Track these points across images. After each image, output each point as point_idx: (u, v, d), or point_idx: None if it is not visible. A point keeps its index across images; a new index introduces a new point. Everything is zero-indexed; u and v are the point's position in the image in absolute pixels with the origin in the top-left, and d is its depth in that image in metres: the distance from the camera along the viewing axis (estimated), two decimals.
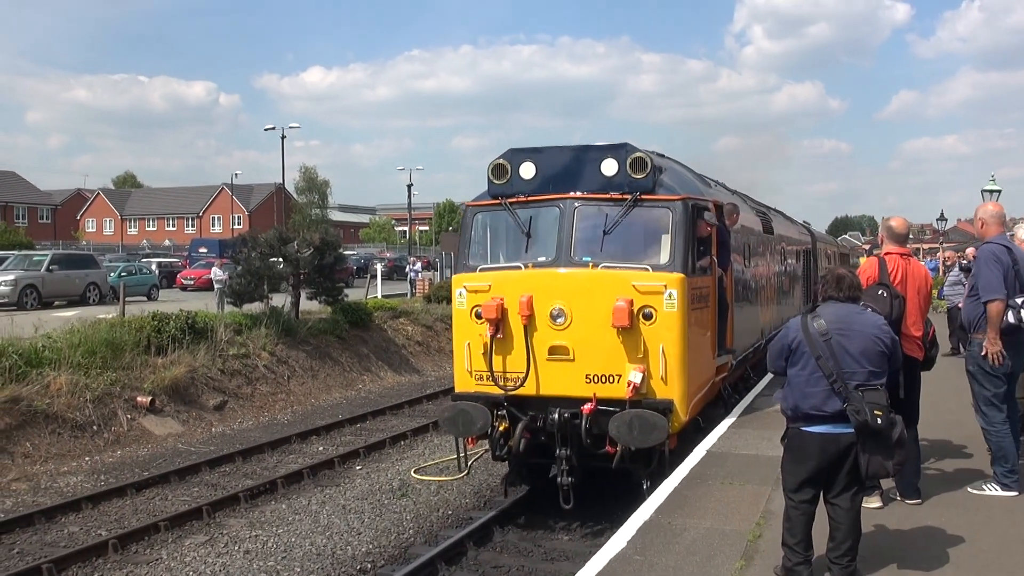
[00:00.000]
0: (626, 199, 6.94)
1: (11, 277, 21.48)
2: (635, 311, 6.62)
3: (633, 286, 6.68)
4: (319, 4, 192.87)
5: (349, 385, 16.69)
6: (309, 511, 8.65)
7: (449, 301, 10.21)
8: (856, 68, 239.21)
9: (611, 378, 6.73)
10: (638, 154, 6.96)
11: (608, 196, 7.01)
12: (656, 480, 6.42)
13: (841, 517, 4.07)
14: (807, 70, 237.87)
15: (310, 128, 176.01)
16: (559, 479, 6.84)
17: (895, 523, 4.96)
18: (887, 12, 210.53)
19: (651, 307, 6.65)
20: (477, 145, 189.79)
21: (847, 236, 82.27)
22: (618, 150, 7.03)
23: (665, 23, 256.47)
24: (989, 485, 5.52)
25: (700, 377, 7.29)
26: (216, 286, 20.71)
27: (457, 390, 7.35)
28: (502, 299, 6.92)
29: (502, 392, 6.97)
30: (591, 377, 6.78)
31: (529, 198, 7.26)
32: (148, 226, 73.69)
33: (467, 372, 7.22)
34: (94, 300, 23.02)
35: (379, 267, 30.26)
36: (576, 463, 6.84)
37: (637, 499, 6.10)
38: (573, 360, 6.81)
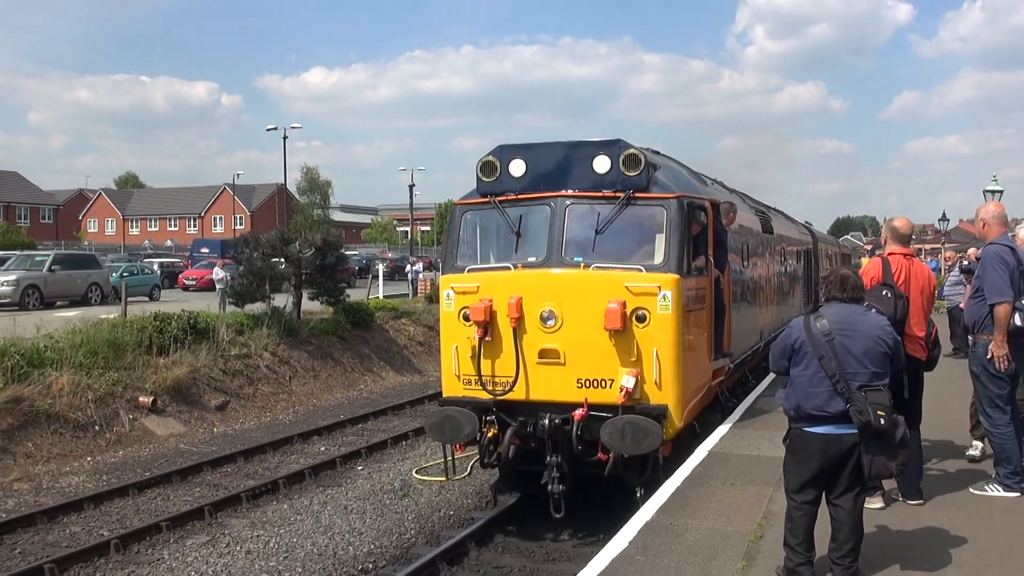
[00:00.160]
0: (619, 197, 6.75)
1: (13, 277, 21.52)
2: (628, 313, 6.44)
3: (626, 287, 6.50)
4: (321, 5, 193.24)
5: (351, 385, 16.70)
6: (311, 511, 8.66)
7: None
8: (858, 68, 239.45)
9: (603, 383, 6.54)
10: (631, 151, 6.77)
11: (600, 194, 6.81)
12: (650, 488, 6.19)
13: (843, 518, 4.06)
14: (809, 70, 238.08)
15: (312, 128, 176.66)
16: (550, 487, 6.64)
17: (897, 524, 4.95)
18: (889, 12, 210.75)
19: (644, 309, 6.46)
20: (479, 145, 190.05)
21: (849, 236, 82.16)
22: (611, 147, 6.83)
23: (667, 24, 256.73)
24: (991, 486, 5.51)
25: (696, 381, 7.10)
26: (218, 286, 20.73)
27: (444, 395, 7.16)
28: (491, 301, 6.72)
29: (491, 397, 6.77)
30: (583, 382, 6.59)
31: (519, 196, 7.05)
32: (150, 226, 73.75)
33: (455, 376, 7.01)
34: (96, 300, 23.05)
35: (381, 267, 30.25)
36: (567, 470, 6.65)
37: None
38: (564, 364, 6.61)
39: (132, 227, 73.75)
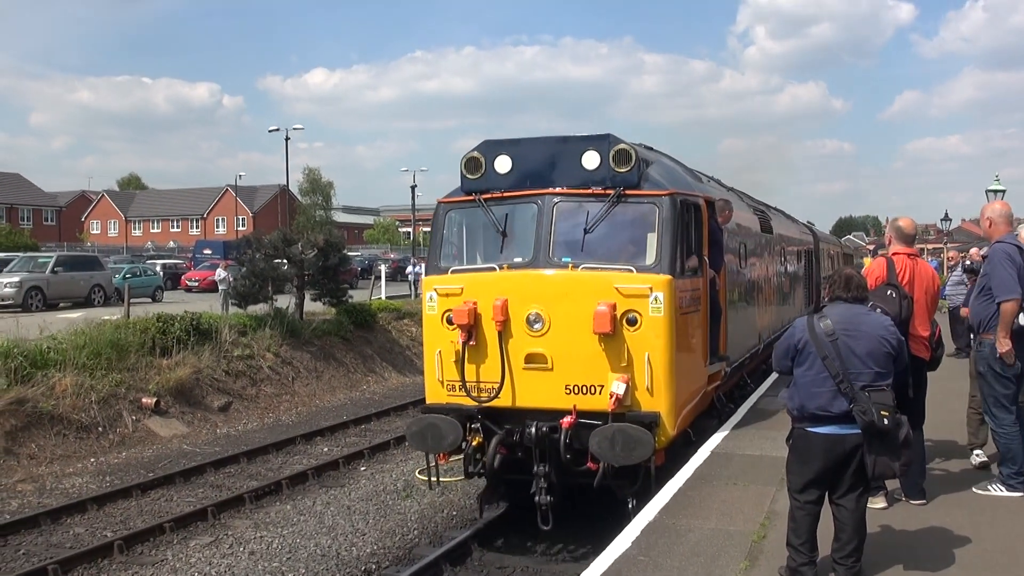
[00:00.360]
0: (609, 195, 6.47)
1: (16, 279, 21.57)
2: (618, 316, 6.16)
3: (616, 289, 6.22)
4: (322, 6, 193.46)
5: (353, 386, 16.72)
6: (314, 512, 8.67)
7: None
8: (859, 68, 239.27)
9: (592, 389, 6.26)
10: (622, 146, 6.49)
11: (590, 191, 6.54)
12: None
13: (846, 517, 4.06)
14: (810, 70, 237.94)
15: (313, 130, 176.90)
16: (537, 498, 6.38)
17: (900, 523, 4.95)
18: (890, 12, 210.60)
19: (635, 312, 6.18)
20: None
21: (851, 236, 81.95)
22: (600, 142, 6.55)
23: (668, 24, 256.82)
24: (994, 486, 5.50)
25: (690, 387, 6.82)
26: (221, 287, 20.76)
27: (428, 401, 6.88)
28: (475, 303, 6.44)
29: (475, 404, 6.51)
30: (571, 388, 6.31)
31: (505, 194, 6.76)
32: (152, 228, 73.88)
33: (438, 382, 6.72)
34: (99, 301, 23.10)
35: (383, 268, 30.28)
36: (555, 480, 6.39)
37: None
38: (551, 369, 6.33)
39: (135, 228, 73.88)
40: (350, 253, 26.40)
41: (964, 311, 6.82)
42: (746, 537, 4.80)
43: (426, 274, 7.16)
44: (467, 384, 6.52)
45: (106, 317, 14.54)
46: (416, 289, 27.68)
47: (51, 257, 23.97)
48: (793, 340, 4.17)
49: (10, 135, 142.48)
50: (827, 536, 4.15)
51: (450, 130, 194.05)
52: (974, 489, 5.56)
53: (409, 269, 30.64)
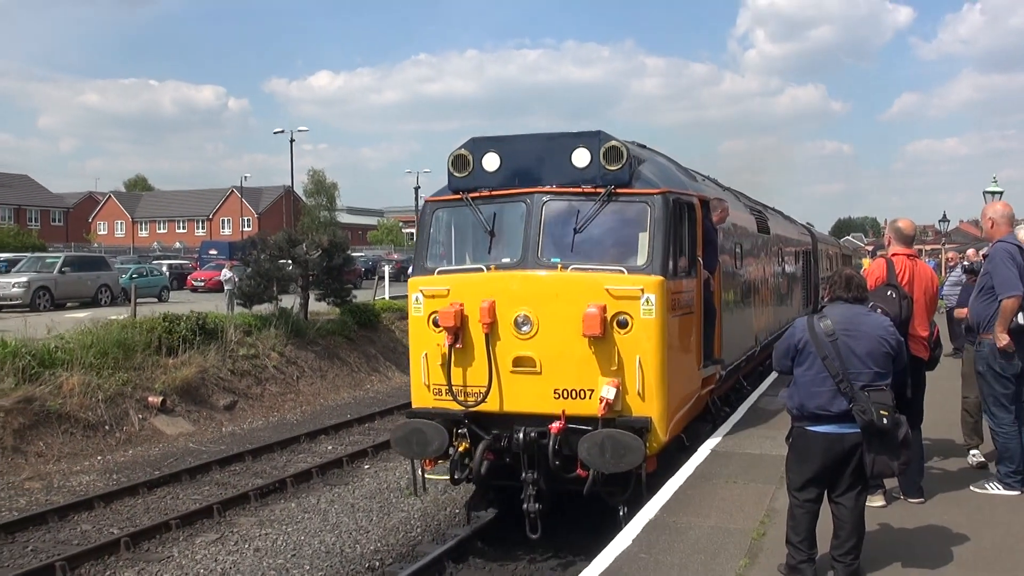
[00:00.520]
0: (599, 193, 6.27)
1: (24, 279, 21.72)
2: (608, 318, 5.96)
3: (606, 290, 6.02)
4: (327, 10, 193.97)
5: (357, 385, 16.80)
6: (318, 510, 8.73)
7: None
8: (858, 70, 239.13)
9: (582, 393, 6.06)
10: (612, 143, 6.29)
11: (580, 190, 6.34)
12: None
13: (845, 516, 4.10)
14: (809, 73, 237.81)
15: (318, 131, 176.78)
16: (525, 505, 6.20)
17: (898, 521, 4.99)
18: (889, 15, 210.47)
19: (626, 314, 5.98)
20: None
21: (850, 237, 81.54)
22: (590, 139, 6.34)
23: (669, 27, 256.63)
24: (991, 484, 5.54)
25: (683, 391, 6.64)
26: (226, 288, 20.86)
27: (413, 405, 6.68)
28: (461, 305, 6.25)
29: (462, 408, 6.31)
30: (560, 392, 6.11)
31: (493, 192, 6.56)
32: (159, 228, 74.17)
33: (424, 386, 6.53)
34: (106, 301, 23.23)
35: (387, 269, 30.35)
36: (544, 487, 6.20)
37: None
38: (540, 373, 6.14)
39: (141, 229, 74.16)
40: (354, 254, 26.47)
41: (959, 312, 6.83)
42: (746, 535, 4.83)
43: (412, 275, 6.94)
44: (453, 388, 6.33)
45: (113, 317, 14.65)
46: None
47: (59, 257, 24.12)
48: (793, 340, 4.20)
49: (18, 137, 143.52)
50: (826, 534, 4.18)
51: (453, 132, 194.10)
52: (971, 488, 5.60)
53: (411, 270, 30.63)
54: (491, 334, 6.20)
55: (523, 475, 6.20)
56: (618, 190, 6.31)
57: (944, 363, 6.03)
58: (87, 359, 11.97)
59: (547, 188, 6.44)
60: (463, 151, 6.65)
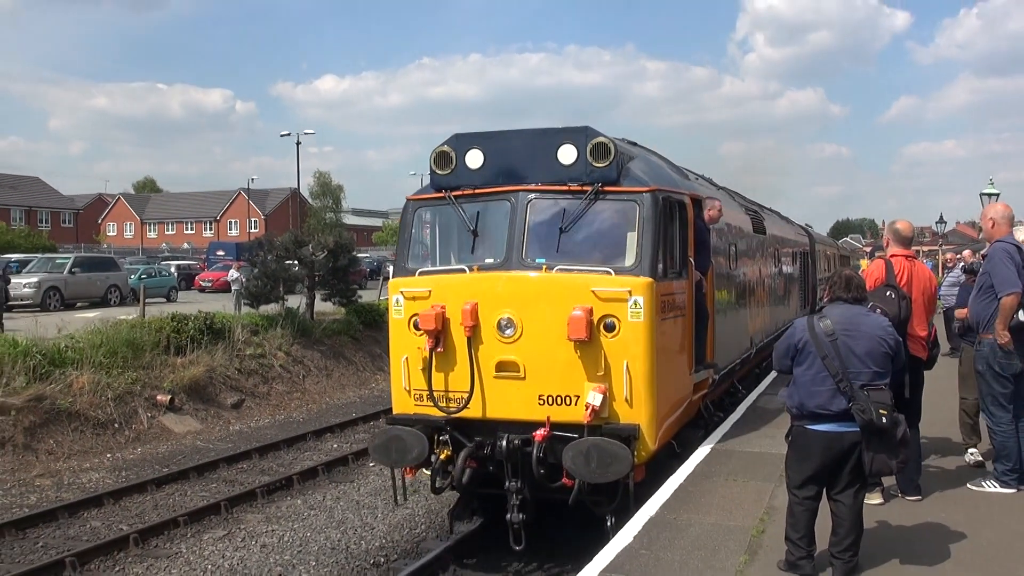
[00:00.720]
0: (586, 191, 6.03)
1: (35, 279, 21.96)
2: (595, 321, 5.72)
3: (593, 292, 5.77)
4: (333, 14, 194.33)
5: (363, 384, 16.90)
6: (324, 506, 8.82)
7: None
8: (857, 74, 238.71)
9: (567, 399, 5.82)
10: (600, 139, 6.04)
11: (566, 188, 6.11)
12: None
13: (844, 513, 4.14)
14: (809, 76, 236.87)
15: (324, 134, 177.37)
16: (509, 516, 5.94)
17: (896, 519, 5.02)
18: (887, 19, 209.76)
19: (613, 317, 5.73)
20: None
21: (848, 239, 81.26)
22: (577, 135, 6.10)
23: (669, 31, 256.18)
24: (988, 482, 5.57)
25: (673, 396, 6.38)
26: (233, 288, 21.02)
27: (394, 411, 6.46)
28: (443, 307, 6.01)
29: (443, 415, 6.07)
30: (545, 398, 5.86)
31: (476, 190, 6.31)
32: (167, 230, 74.58)
33: (405, 391, 6.29)
34: (115, 301, 23.44)
35: (391, 269, 30.41)
36: (529, 497, 5.97)
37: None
38: (524, 378, 5.89)
39: (150, 230, 74.62)
40: (359, 254, 26.58)
41: (960, 313, 6.87)
42: (746, 532, 4.87)
43: (393, 276, 6.70)
44: (435, 393, 6.09)
45: (122, 317, 14.78)
46: None
47: (69, 258, 24.36)
48: (793, 340, 4.24)
49: (29, 140, 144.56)
50: (825, 531, 4.23)
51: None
52: (968, 485, 5.63)
53: None
54: (473, 337, 5.96)
55: (506, 484, 5.98)
56: (605, 188, 6.08)
57: (942, 362, 6.07)
58: (97, 358, 12.10)
59: (532, 186, 6.22)
60: (446, 147, 6.41)
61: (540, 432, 5.80)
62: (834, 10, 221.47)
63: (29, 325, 13.29)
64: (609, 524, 5.77)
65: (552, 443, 5.81)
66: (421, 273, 6.44)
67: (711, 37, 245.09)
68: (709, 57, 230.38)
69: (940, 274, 15.71)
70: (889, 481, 5.31)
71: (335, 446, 11.74)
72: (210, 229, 72.64)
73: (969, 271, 8.27)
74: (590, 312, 5.74)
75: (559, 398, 5.88)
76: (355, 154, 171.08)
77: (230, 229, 71.42)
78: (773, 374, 10.39)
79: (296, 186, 55.14)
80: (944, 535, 4.76)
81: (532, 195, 6.21)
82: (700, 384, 7.14)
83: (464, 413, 6.04)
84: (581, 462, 5.56)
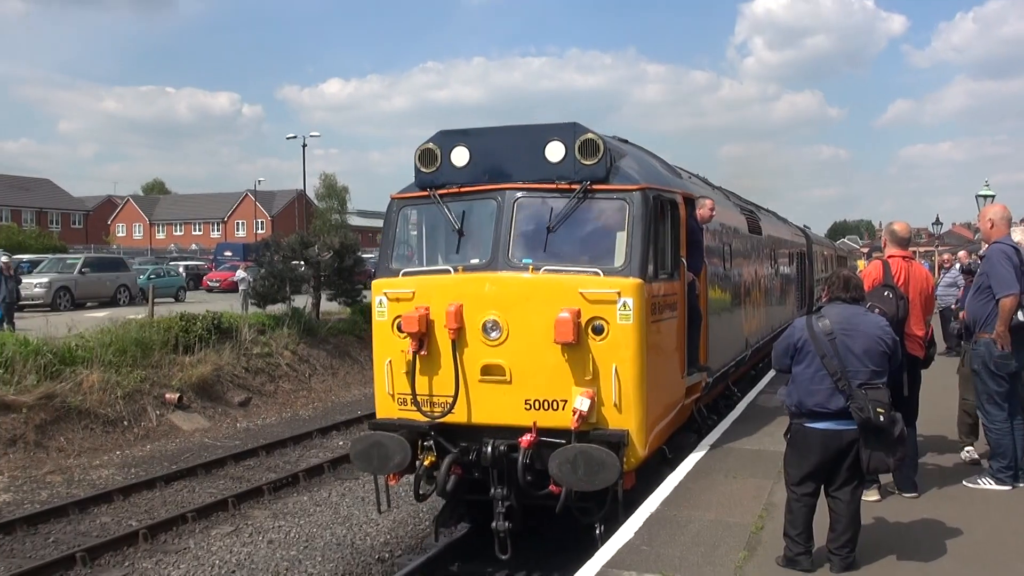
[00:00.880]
0: (574, 189, 5.83)
1: (45, 279, 22.16)
2: (583, 324, 5.52)
3: (580, 294, 5.57)
4: (338, 18, 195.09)
5: (368, 382, 16.93)
6: (330, 503, 8.91)
7: None
8: (854, 77, 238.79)
9: (554, 404, 5.61)
10: (588, 136, 5.84)
11: (553, 186, 5.90)
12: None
13: (841, 510, 4.19)
14: (806, 80, 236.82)
15: (329, 137, 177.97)
16: (494, 523, 5.76)
17: (893, 516, 5.07)
18: (883, 23, 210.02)
19: (602, 319, 5.53)
20: None
21: (845, 240, 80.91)
22: (565, 131, 5.90)
23: (670, 35, 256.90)
24: (983, 479, 5.62)
25: (664, 401, 6.18)
26: (240, 288, 21.15)
27: (377, 416, 6.25)
28: (427, 309, 5.81)
29: (427, 420, 5.87)
30: (531, 403, 5.66)
31: (462, 189, 6.13)
32: (176, 231, 74.95)
33: (388, 395, 6.09)
34: (124, 301, 23.63)
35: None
36: (515, 504, 5.78)
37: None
38: (510, 382, 5.69)
39: (159, 231, 74.99)
40: (364, 255, 26.70)
41: (964, 314, 6.92)
42: (745, 528, 4.91)
43: (376, 276, 6.43)
44: (418, 398, 5.89)
45: (131, 316, 14.91)
46: None
47: (79, 259, 24.55)
48: (792, 339, 4.28)
49: (40, 142, 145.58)
50: (823, 527, 4.27)
51: None
52: (964, 483, 5.67)
53: None
54: (458, 340, 5.76)
55: (492, 491, 5.79)
56: (594, 186, 5.87)
57: (938, 361, 6.11)
58: (106, 357, 12.23)
59: (519, 184, 6.00)
60: (430, 145, 6.21)
61: (526, 438, 5.59)
62: (831, 14, 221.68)
63: (40, 324, 13.43)
64: (599, 532, 5.62)
65: (539, 449, 5.61)
66: (405, 274, 6.22)
67: (711, 41, 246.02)
68: (708, 61, 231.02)
69: (937, 275, 15.72)
70: (886, 478, 5.35)
71: (341, 443, 11.81)
72: (218, 230, 72.93)
73: (968, 272, 8.31)
74: (578, 314, 5.54)
75: (546, 403, 5.67)
76: (360, 156, 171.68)
77: (237, 230, 71.71)
78: (771, 373, 10.42)
79: (302, 188, 55.14)
80: (940, 531, 4.80)
81: (519, 193, 6.01)
82: (693, 388, 6.99)
83: (448, 418, 5.85)
84: (568, 470, 5.35)
